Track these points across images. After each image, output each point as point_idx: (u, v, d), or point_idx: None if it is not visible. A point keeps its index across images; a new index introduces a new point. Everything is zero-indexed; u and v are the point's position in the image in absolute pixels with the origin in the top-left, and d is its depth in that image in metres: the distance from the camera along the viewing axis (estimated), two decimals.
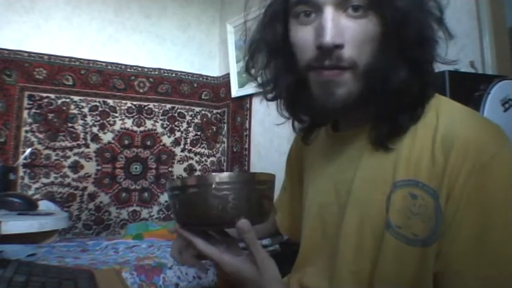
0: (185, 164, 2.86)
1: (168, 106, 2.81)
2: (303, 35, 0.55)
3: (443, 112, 0.55)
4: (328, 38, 0.51)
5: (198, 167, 2.90)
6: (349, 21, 0.52)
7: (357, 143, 0.62)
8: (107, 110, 2.61)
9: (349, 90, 0.54)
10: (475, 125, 0.53)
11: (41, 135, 2.40)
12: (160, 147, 2.78)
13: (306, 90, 0.58)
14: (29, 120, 2.38)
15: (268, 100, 0.67)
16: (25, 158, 2.33)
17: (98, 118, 2.58)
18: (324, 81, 0.55)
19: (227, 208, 0.53)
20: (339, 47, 0.52)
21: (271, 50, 0.63)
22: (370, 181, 0.58)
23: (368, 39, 0.53)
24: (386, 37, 0.53)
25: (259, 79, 0.68)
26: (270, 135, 2.43)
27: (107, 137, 2.60)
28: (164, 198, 2.77)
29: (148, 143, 2.74)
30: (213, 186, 0.53)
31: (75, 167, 2.50)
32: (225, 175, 0.54)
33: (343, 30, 0.52)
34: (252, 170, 2.56)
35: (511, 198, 0.48)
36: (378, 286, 0.55)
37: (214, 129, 2.97)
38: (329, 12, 0.52)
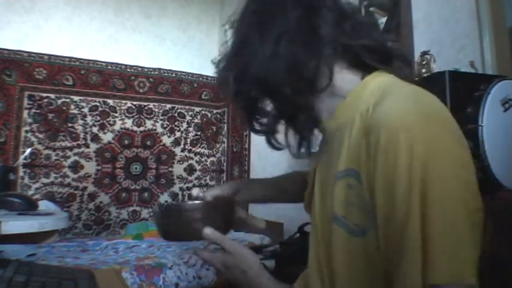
0: (185, 164, 2.86)
1: (168, 106, 2.81)
2: None
3: (376, 95, 0.54)
4: None
5: (198, 167, 2.90)
6: None
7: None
8: (107, 110, 2.61)
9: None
10: (397, 106, 0.50)
11: (41, 135, 2.40)
12: (160, 147, 2.78)
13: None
14: (29, 120, 2.38)
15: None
16: (25, 158, 2.33)
17: (98, 118, 2.58)
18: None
19: (195, 227, 0.68)
20: None
21: None
22: (325, 173, 0.61)
23: None
24: None
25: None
26: None
27: (107, 137, 2.60)
28: (164, 198, 2.77)
29: (148, 143, 2.74)
30: (184, 213, 0.70)
31: (75, 167, 2.50)
32: (191, 204, 0.72)
33: None
34: (252, 170, 2.56)
35: (415, 178, 0.44)
36: (336, 277, 0.55)
37: (214, 129, 2.97)
38: None
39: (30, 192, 2.35)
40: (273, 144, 0.65)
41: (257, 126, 0.65)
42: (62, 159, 2.46)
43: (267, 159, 2.44)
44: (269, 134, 0.64)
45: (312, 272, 0.61)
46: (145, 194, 2.71)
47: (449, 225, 0.43)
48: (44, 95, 2.42)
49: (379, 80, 0.57)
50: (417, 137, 0.45)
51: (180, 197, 2.82)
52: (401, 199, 0.45)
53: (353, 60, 0.59)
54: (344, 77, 0.59)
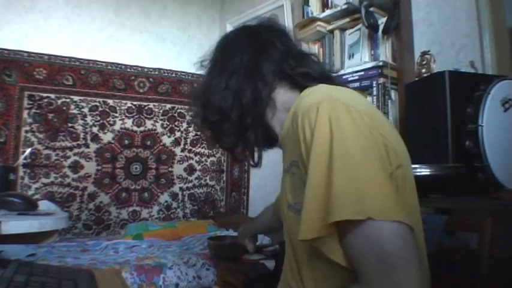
0: (185, 164, 2.86)
1: (168, 106, 2.81)
2: None
3: (301, 97, 0.68)
4: None
5: (198, 167, 2.90)
6: None
7: None
8: (107, 110, 2.61)
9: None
10: (313, 95, 0.63)
11: (41, 135, 2.40)
12: (160, 147, 2.78)
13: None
14: (29, 120, 2.38)
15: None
16: (25, 158, 2.33)
17: (98, 118, 2.58)
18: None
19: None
20: None
21: None
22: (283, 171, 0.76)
23: None
24: None
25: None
26: None
27: (107, 137, 2.60)
28: (164, 198, 2.77)
29: (148, 143, 2.74)
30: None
31: (75, 167, 2.50)
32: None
33: None
34: (252, 169, 2.56)
35: (325, 140, 0.53)
36: (297, 255, 0.66)
37: None
38: None
39: (30, 192, 2.35)
40: (236, 157, 0.85)
41: (222, 144, 0.81)
42: (62, 159, 2.46)
43: (267, 159, 2.44)
44: (230, 150, 0.81)
45: (286, 259, 0.74)
46: (145, 194, 2.71)
47: (350, 177, 0.50)
48: (44, 95, 2.43)
49: (309, 89, 0.70)
50: (324, 108, 0.56)
51: (180, 197, 2.82)
52: (314, 156, 0.54)
53: (292, 83, 0.74)
54: (286, 96, 0.74)
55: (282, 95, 0.74)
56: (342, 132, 0.53)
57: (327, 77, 0.77)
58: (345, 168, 0.50)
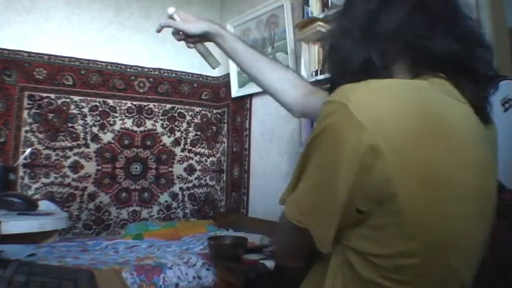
0: (185, 164, 2.86)
1: (168, 106, 2.81)
2: None
3: None
4: None
5: (198, 167, 2.90)
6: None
7: None
8: (107, 110, 2.61)
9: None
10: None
11: (41, 135, 2.40)
12: (160, 147, 2.78)
13: None
14: (29, 120, 2.38)
15: None
16: (25, 158, 2.33)
17: (98, 118, 2.58)
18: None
19: None
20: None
21: None
22: None
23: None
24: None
25: None
26: (270, 135, 2.43)
27: (107, 137, 2.60)
28: (164, 198, 2.77)
29: (148, 143, 2.74)
30: None
31: (75, 167, 2.50)
32: None
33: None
34: (252, 169, 2.56)
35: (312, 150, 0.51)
36: None
37: (214, 129, 2.97)
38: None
39: (30, 192, 2.35)
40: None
41: (335, 76, 0.63)
42: (62, 159, 2.46)
43: (267, 159, 2.44)
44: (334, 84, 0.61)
45: None
46: (145, 194, 2.71)
47: (306, 184, 0.51)
48: (44, 95, 2.42)
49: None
50: (335, 104, 0.48)
51: (180, 197, 2.82)
52: (307, 142, 0.52)
53: (416, 63, 0.54)
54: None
55: (396, 75, 0.55)
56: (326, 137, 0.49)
57: (460, 66, 0.54)
58: (307, 176, 0.52)
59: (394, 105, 0.47)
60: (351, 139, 0.45)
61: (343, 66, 0.58)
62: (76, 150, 2.50)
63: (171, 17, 0.98)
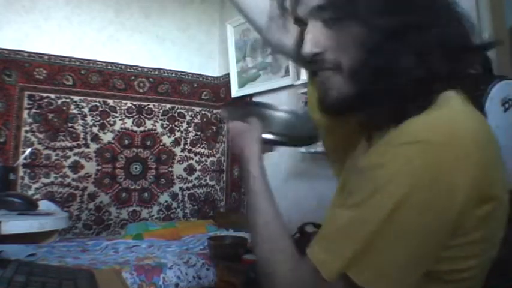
0: (185, 164, 2.86)
1: (168, 106, 2.81)
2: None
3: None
4: (306, 48, 0.56)
5: (198, 167, 2.90)
6: (327, 29, 0.55)
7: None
8: (107, 110, 2.61)
9: (339, 92, 0.55)
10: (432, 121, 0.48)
11: (41, 135, 2.40)
12: (160, 147, 2.78)
13: None
14: (29, 120, 2.38)
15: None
16: (25, 158, 2.33)
17: (98, 118, 2.58)
18: (319, 83, 0.59)
19: None
20: (319, 54, 0.55)
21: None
22: None
23: (348, 42, 0.53)
24: (363, 40, 0.51)
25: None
26: None
27: (107, 137, 2.60)
28: (164, 198, 2.77)
29: (148, 143, 2.74)
30: None
31: (75, 167, 2.50)
32: None
33: (323, 37, 0.55)
34: None
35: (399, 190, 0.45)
36: None
37: (214, 129, 2.97)
38: (310, 24, 0.56)
39: (30, 192, 2.35)
40: None
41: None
42: (62, 159, 2.46)
43: (267, 159, 2.44)
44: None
45: None
46: (145, 194, 2.71)
47: (388, 248, 0.45)
48: (44, 95, 2.42)
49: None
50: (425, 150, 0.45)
51: (180, 197, 2.82)
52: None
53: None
54: None
55: None
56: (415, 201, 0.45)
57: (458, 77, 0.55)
58: (383, 240, 0.46)
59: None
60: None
61: (390, 78, 0.50)
62: (76, 150, 2.50)
63: None
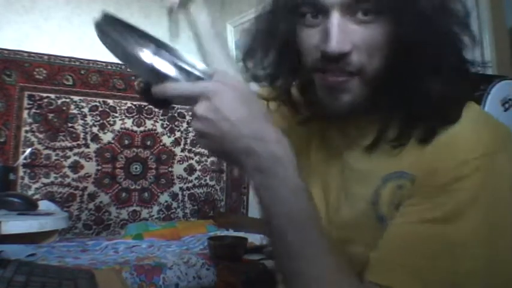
0: (185, 164, 2.86)
1: None
2: (308, 38, 0.51)
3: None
4: (334, 44, 0.47)
5: (198, 167, 2.90)
6: (357, 26, 0.48)
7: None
8: (107, 110, 2.61)
9: (354, 97, 0.50)
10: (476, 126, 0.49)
11: (41, 135, 2.40)
12: (160, 147, 2.78)
13: (311, 89, 0.55)
14: (29, 120, 2.38)
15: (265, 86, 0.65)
16: (25, 158, 2.33)
17: (98, 118, 2.58)
18: (329, 86, 0.51)
19: None
20: (346, 54, 0.48)
21: (276, 46, 0.58)
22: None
23: (379, 43, 0.48)
24: (401, 42, 0.47)
25: (257, 71, 0.63)
26: None
27: (107, 137, 2.60)
28: (164, 198, 2.77)
29: (148, 143, 2.74)
30: None
31: (75, 167, 2.50)
32: None
33: (350, 35, 0.48)
34: None
35: (482, 208, 0.46)
36: None
37: None
38: (336, 17, 0.47)
39: (30, 192, 2.35)
40: None
41: None
42: (62, 159, 2.46)
43: None
44: None
45: None
46: (145, 194, 2.71)
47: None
48: (44, 95, 2.42)
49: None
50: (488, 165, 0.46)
51: (180, 197, 2.82)
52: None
53: None
54: None
55: None
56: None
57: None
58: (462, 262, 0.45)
59: None
60: None
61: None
62: (76, 150, 2.50)
63: None
